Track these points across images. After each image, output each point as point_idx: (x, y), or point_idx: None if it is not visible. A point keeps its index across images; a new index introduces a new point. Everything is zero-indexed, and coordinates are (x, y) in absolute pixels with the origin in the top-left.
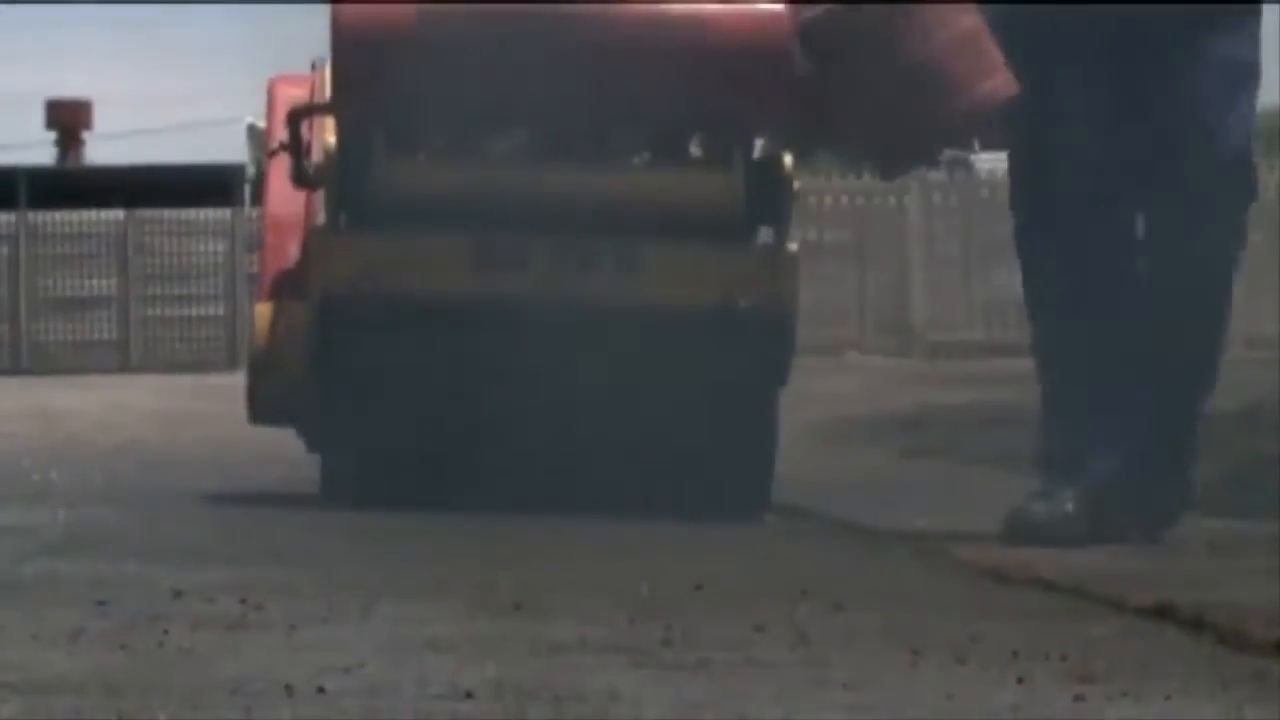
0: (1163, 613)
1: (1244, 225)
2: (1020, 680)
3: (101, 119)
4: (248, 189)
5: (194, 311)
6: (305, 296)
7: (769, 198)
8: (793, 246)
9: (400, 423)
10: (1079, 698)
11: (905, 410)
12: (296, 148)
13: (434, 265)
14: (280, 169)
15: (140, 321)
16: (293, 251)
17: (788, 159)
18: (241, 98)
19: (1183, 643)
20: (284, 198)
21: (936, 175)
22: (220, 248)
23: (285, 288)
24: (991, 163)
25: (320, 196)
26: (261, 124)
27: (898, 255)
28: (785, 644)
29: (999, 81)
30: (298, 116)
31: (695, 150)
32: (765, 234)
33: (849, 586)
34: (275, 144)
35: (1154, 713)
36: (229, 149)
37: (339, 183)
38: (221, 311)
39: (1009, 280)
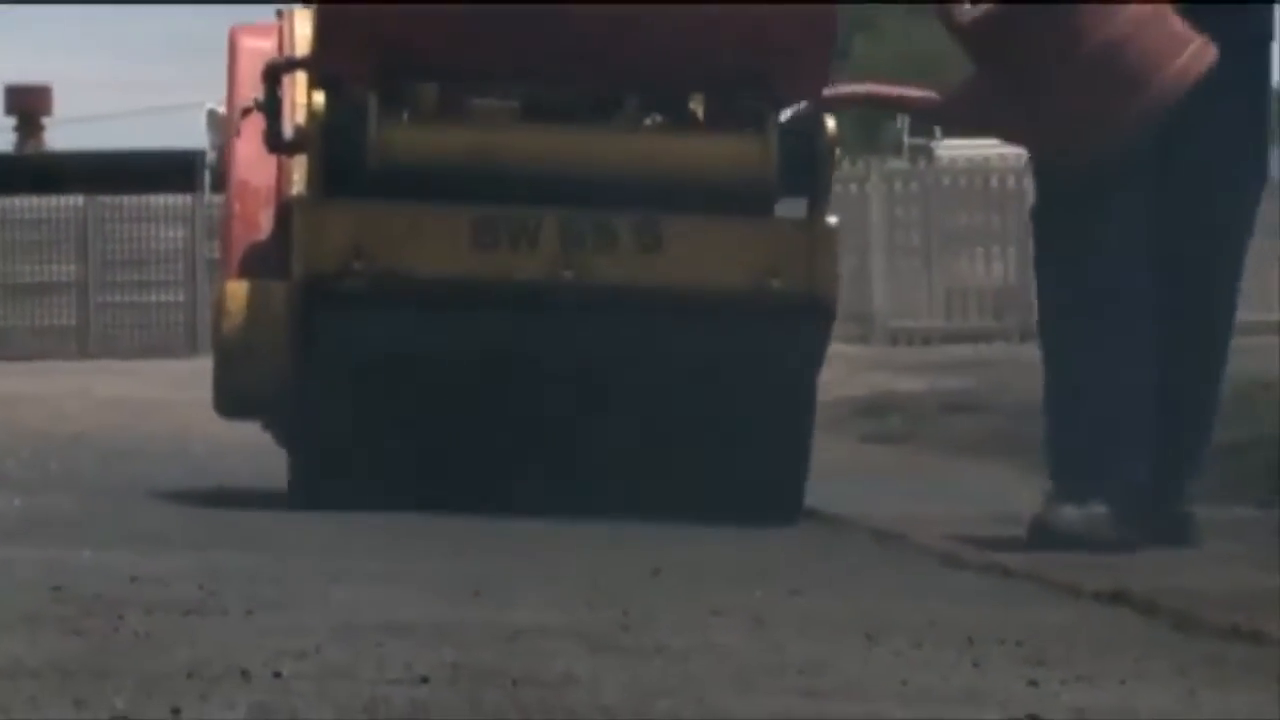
0: (1118, 598)
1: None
2: (975, 665)
3: (61, 104)
4: (208, 175)
5: (154, 298)
6: (283, 275)
7: (805, 165)
8: (832, 220)
9: (390, 420)
10: (1033, 682)
11: (865, 397)
12: (273, 106)
13: (431, 241)
14: (251, 130)
15: (99, 308)
16: (264, 223)
17: (829, 121)
18: (201, 83)
19: (1138, 627)
20: (254, 162)
21: (898, 163)
22: (180, 234)
23: (258, 264)
24: (953, 150)
25: (298, 162)
26: (222, 109)
27: (859, 242)
28: (742, 628)
29: (1192, 55)
30: (277, 72)
31: (722, 112)
32: (800, 206)
33: (807, 572)
34: (247, 103)
35: (1108, 697)
36: (189, 135)
37: (324, 147)
38: (181, 298)
39: (970, 268)
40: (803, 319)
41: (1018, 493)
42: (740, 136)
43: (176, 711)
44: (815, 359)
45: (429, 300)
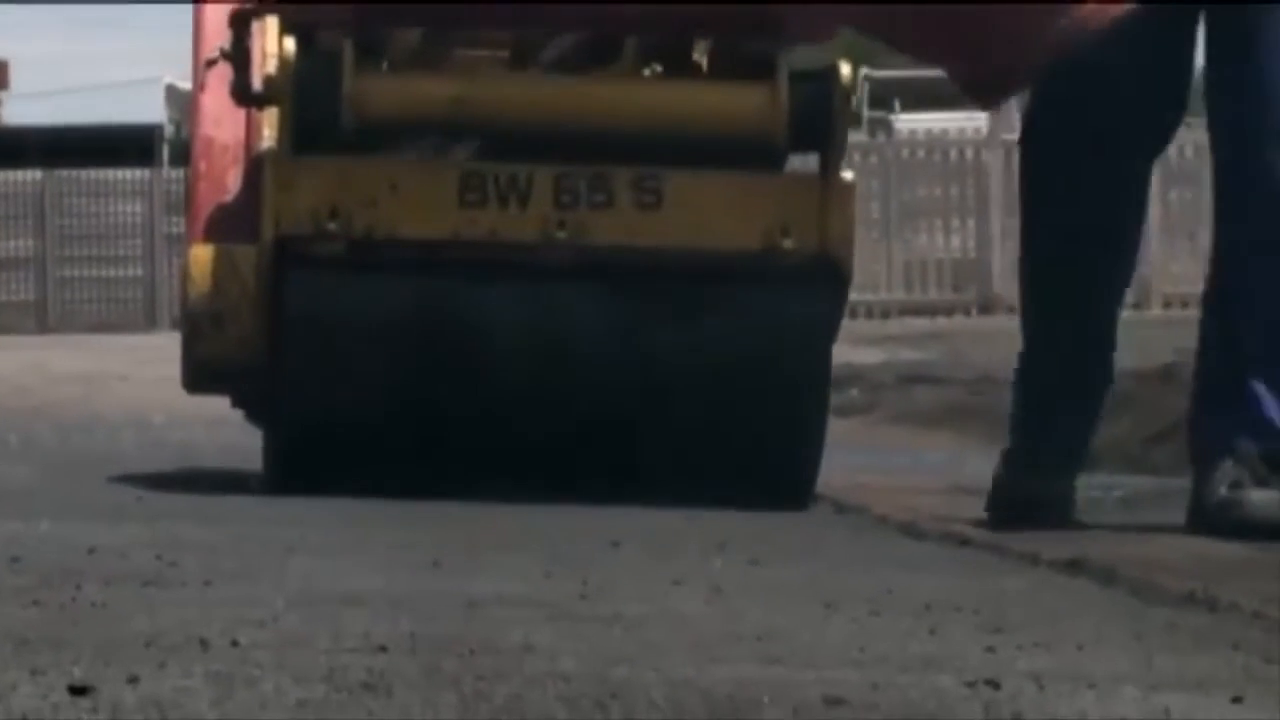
0: (1076, 566)
1: None
2: (932, 632)
3: (19, 79)
4: (166, 149)
5: (112, 272)
6: (253, 238)
7: (818, 116)
8: (847, 175)
9: (370, 394)
10: (990, 649)
11: None
12: (240, 56)
13: (414, 200)
14: (217, 82)
15: (58, 282)
16: (232, 182)
17: (845, 68)
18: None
19: (1096, 595)
20: (220, 117)
21: (857, 136)
22: (139, 208)
23: (226, 227)
24: (912, 123)
25: (268, 116)
26: (182, 85)
27: None
28: (701, 597)
29: None
30: (246, 16)
31: (728, 59)
32: (813, 160)
33: (766, 542)
34: (212, 53)
35: (1065, 662)
36: (147, 109)
37: (297, 99)
38: (140, 272)
39: (929, 241)
40: (816, 282)
41: (976, 463)
42: (748, 86)
43: (134, 680)
44: (830, 326)
45: (411, 264)
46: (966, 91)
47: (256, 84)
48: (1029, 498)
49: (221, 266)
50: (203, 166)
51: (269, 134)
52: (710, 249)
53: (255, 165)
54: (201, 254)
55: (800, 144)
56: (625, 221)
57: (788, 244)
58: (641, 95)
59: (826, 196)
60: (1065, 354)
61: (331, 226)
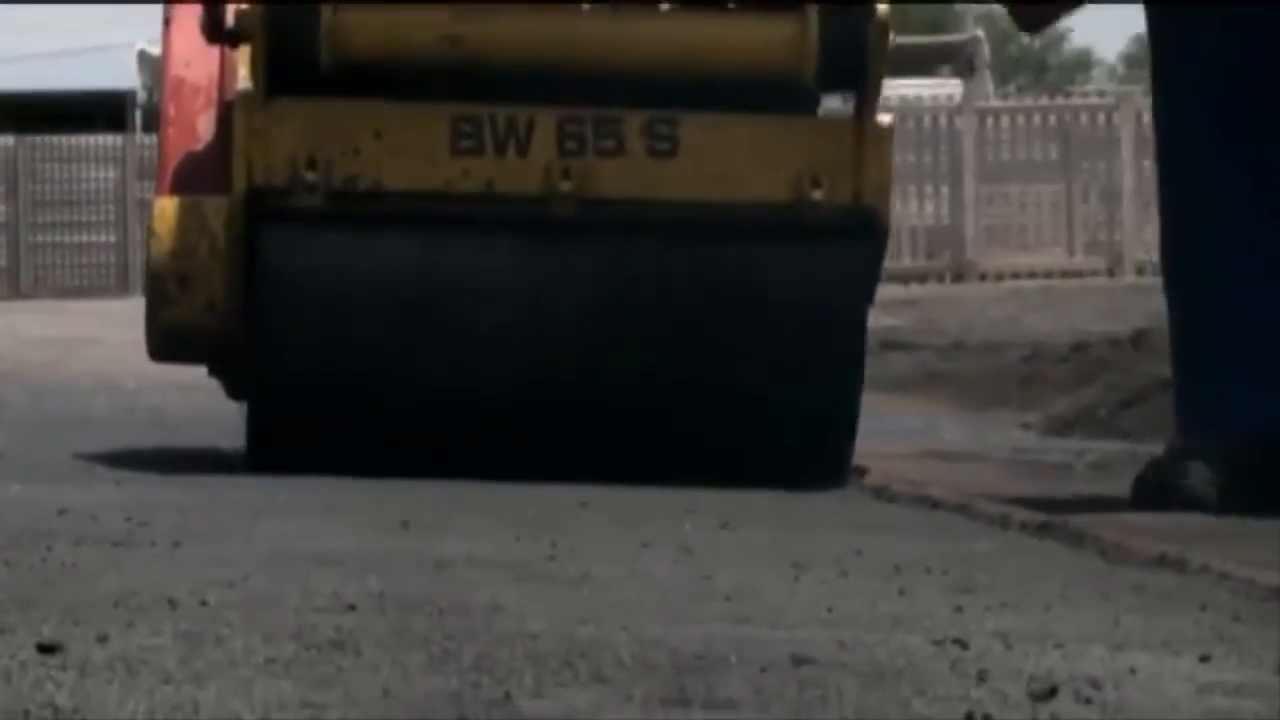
0: (1045, 529)
1: None
2: (901, 592)
3: None
4: (139, 115)
5: (85, 238)
6: (225, 189)
7: (851, 52)
8: (884, 119)
9: (354, 363)
10: (959, 609)
11: None
12: None
13: (401, 147)
14: (188, 19)
15: (30, 248)
16: (203, 128)
17: (881, 4)
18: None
19: (1065, 557)
20: (191, 57)
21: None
22: (111, 174)
23: (195, 178)
24: (886, 89)
25: (241, 55)
26: (155, 51)
27: None
28: (669, 559)
29: None
30: None
31: None
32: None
33: (736, 506)
34: None
35: (1032, 622)
36: (120, 75)
37: (271, 34)
38: (113, 238)
39: (902, 208)
40: (850, 236)
41: (947, 428)
42: (774, 18)
43: (103, 639)
44: (866, 285)
45: (398, 218)
46: (1013, 15)
47: (229, 19)
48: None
49: (189, 221)
50: (171, 111)
51: (243, 74)
52: (732, 201)
53: (226, 110)
54: (167, 207)
55: (832, 83)
56: (637, 171)
57: (818, 195)
58: (656, 30)
59: (861, 142)
60: None
61: (310, 177)
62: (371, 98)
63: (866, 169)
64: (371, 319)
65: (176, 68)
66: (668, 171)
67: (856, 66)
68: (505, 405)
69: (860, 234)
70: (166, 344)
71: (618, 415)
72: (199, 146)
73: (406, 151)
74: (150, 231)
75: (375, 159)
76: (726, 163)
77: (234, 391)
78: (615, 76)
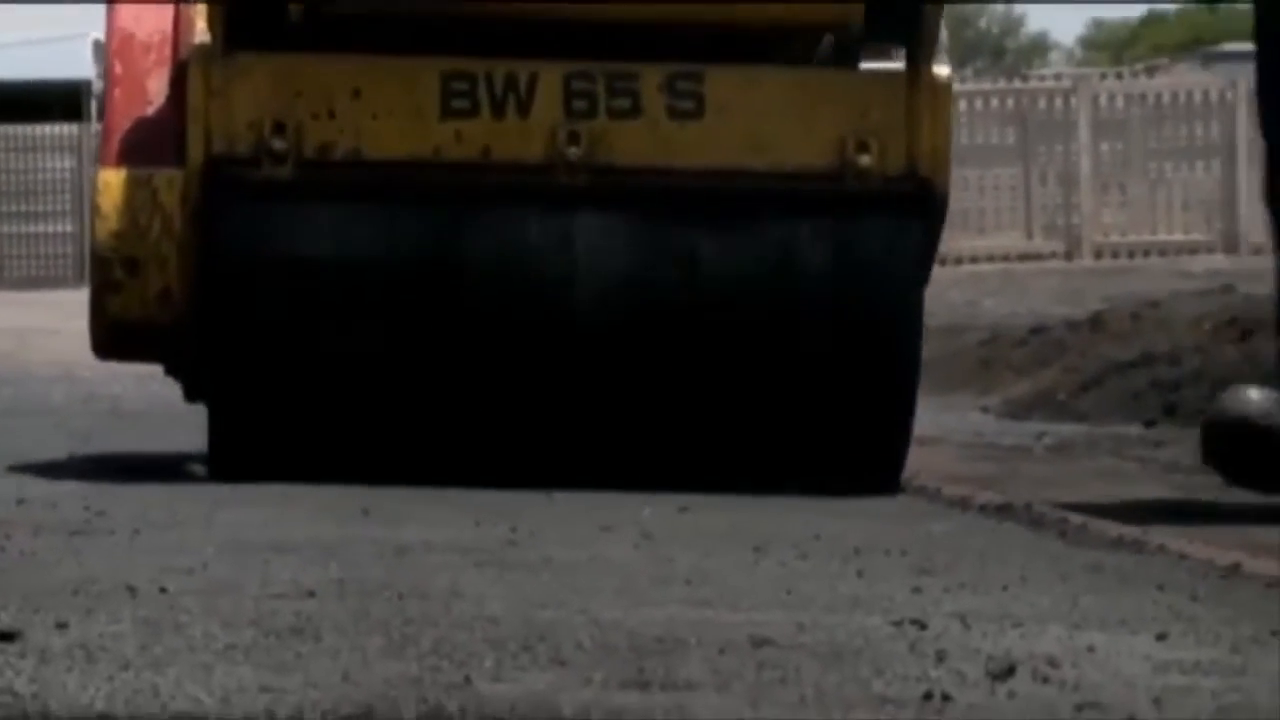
0: (1004, 511)
1: None
2: (860, 574)
3: None
4: (95, 104)
5: (41, 228)
6: (179, 160)
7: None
8: (942, 71)
9: (328, 358)
10: (917, 589)
11: None
12: None
13: (384, 109)
14: None
15: None
16: (155, 90)
17: None
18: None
19: (1023, 538)
20: (139, 9)
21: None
22: (67, 164)
23: (146, 147)
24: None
25: (199, 5)
26: None
27: None
28: (629, 543)
29: None
30: None
31: None
32: (897, 56)
33: (696, 490)
34: None
35: (991, 603)
36: (76, 64)
37: None
38: (69, 228)
39: None
40: (903, 209)
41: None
42: None
43: (63, 626)
44: (921, 264)
45: (379, 191)
46: None
47: None
48: None
49: (138, 197)
50: (117, 69)
51: (200, 27)
52: (766, 169)
53: (181, 68)
54: (113, 181)
55: (880, 32)
56: (655, 134)
57: (866, 161)
58: None
59: (916, 99)
60: None
61: (277, 144)
62: (348, 53)
63: (921, 131)
64: (349, 308)
65: (124, 21)
66: (690, 135)
67: (908, 11)
68: (503, 404)
69: (914, 207)
70: (114, 339)
71: (632, 415)
72: (149, 110)
73: (390, 114)
74: (94, 209)
75: (353, 122)
76: (759, 125)
77: (192, 393)
78: (631, 24)
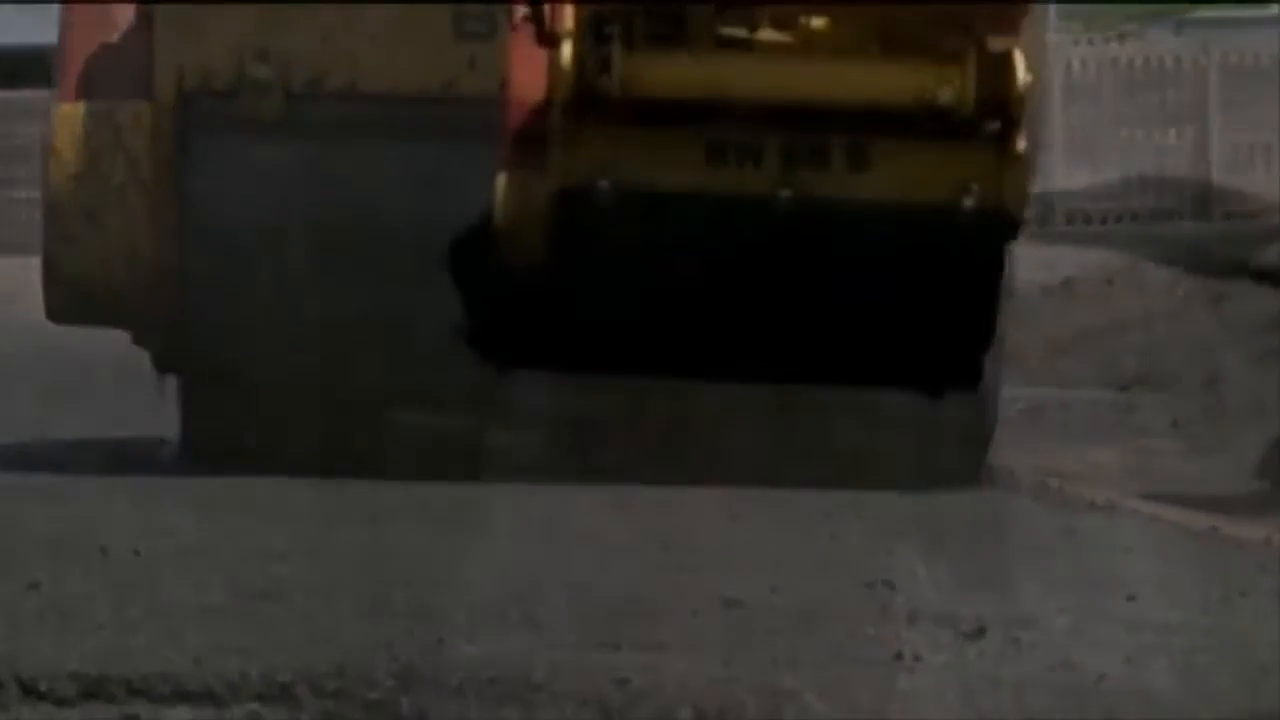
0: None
1: None
2: (833, 537)
3: None
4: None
5: (14, 194)
6: (147, 93)
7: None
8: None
9: (317, 319)
10: (889, 552)
11: None
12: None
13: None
14: None
15: None
16: (120, 15)
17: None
18: None
19: (997, 501)
20: None
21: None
22: (40, 129)
23: (108, 77)
24: None
25: None
26: None
27: None
28: (606, 507)
29: None
30: None
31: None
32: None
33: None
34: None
35: (963, 565)
36: (47, 30)
37: None
38: (39, 194)
39: None
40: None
41: None
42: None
43: (34, 586)
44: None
45: (380, 125)
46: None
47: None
48: None
49: (100, 134)
50: None
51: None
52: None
53: None
54: (71, 116)
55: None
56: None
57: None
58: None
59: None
60: None
61: (261, 73)
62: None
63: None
64: (340, 262)
65: None
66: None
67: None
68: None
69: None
70: (70, 301)
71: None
72: (114, 37)
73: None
74: (48, 149)
75: (339, 50)
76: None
77: (163, 362)
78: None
